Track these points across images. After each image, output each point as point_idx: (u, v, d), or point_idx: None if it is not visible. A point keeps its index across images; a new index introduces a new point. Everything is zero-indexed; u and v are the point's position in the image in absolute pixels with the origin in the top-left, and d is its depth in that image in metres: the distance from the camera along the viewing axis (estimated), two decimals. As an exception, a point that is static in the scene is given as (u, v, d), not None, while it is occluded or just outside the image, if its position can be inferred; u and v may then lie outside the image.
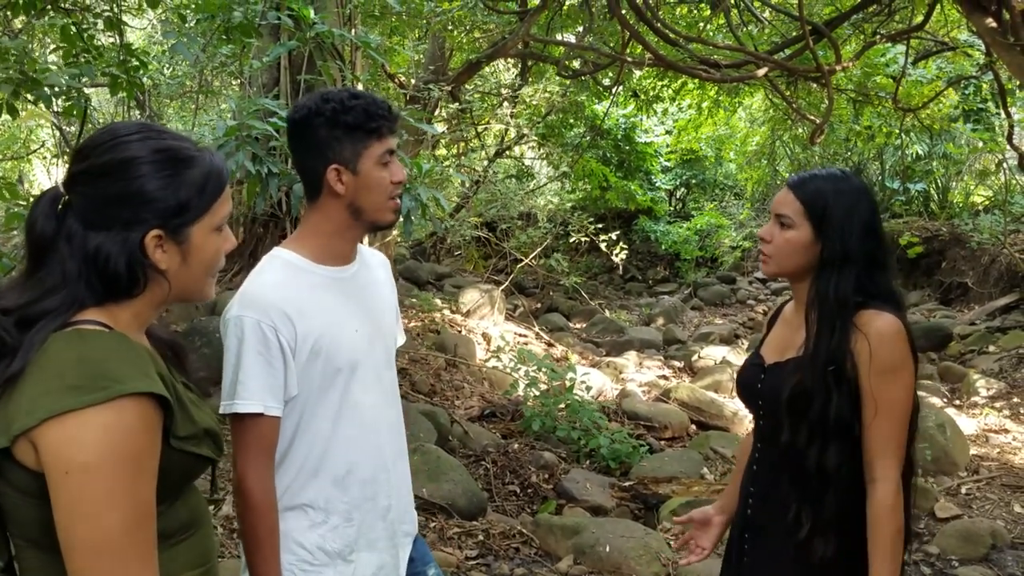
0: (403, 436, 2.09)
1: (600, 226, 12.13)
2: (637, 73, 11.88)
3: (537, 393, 6.50)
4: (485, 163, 13.63)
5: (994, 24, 6.17)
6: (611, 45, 10.18)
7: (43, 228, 1.31)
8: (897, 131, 12.67)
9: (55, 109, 6.15)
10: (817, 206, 1.92)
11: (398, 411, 2.07)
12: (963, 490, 5.69)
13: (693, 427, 7.05)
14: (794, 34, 9.33)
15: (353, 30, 6.43)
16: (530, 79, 12.54)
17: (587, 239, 12.49)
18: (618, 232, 12.22)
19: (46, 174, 14.35)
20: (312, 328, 1.82)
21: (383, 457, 1.97)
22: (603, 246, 11.76)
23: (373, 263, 2.09)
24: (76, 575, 1.18)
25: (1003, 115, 10.53)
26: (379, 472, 1.96)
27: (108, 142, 1.33)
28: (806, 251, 1.94)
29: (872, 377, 1.84)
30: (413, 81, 10.85)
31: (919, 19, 9.22)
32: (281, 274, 1.87)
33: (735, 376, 2.25)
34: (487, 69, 12.13)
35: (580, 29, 10.90)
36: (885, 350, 1.84)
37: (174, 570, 1.32)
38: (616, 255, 11.88)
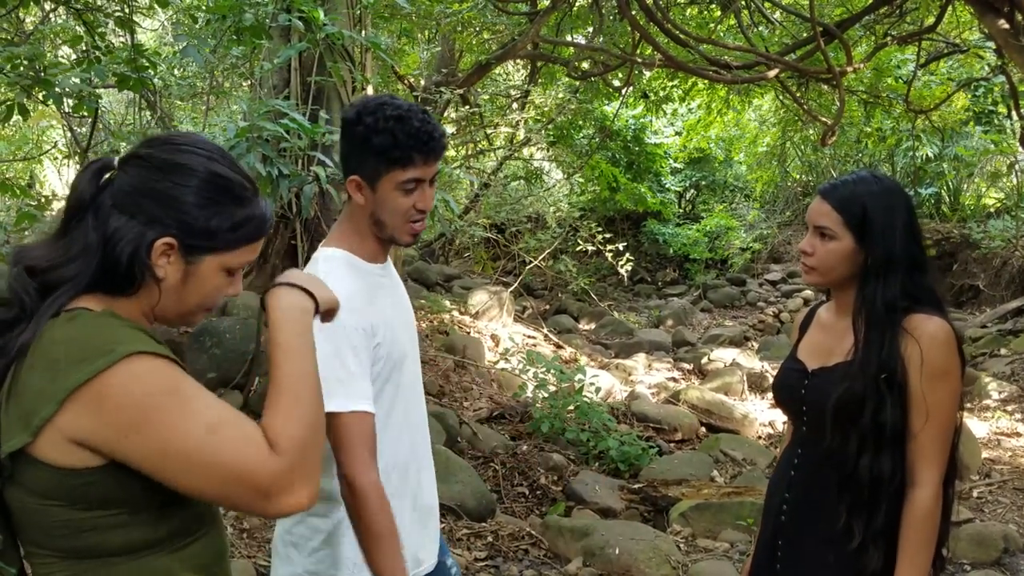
0: (428, 431, 2.12)
1: (608, 235, 12.10)
2: (647, 74, 11.86)
3: (546, 395, 6.49)
4: (494, 165, 13.62)
5: (1006, 26, 6.15)
6: (621, 46, 10.17)
7: (83, 192, 1.31)
8: (907, 133, 12.63)
9: (66, 109, 6.17)
10: (855, 214, 1.91)
11: (424, 405, 2.11)
12: (975, 494, 5.65)
13: (703, 429, 7.02)
14: (805, 35, 9.31)
15: (363, 31, 6.43)
16: (540, 80, 12.54)
17: (594, 247, 12.48)
18: (625, 243, 12.17)
19: (57, 175, 14.41)
20: (380, 325, 1.86)
21: (417, 450, 2.01)
22: (609, 256, 11.74)
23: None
24: (202, 483, 1.18)
25: (1015, 117, 10.49)
26: (411, 463, 1.99)
27: (180, 144, 1.35)
28: (850, 260, 1.93)
29: (923, 382, 1.83)
30: (423, 83, 10.86)
31: (930, 21, 9.19)
32: (352, 275, 1.88)
33: (773, 380, 2.22)
34: (497, 70, 12.14)
35: (590, 30, 10.89)
36: (937, 355, 1.83)
37: (187, 569, 1.31)
38: (621, 266, 11.86)
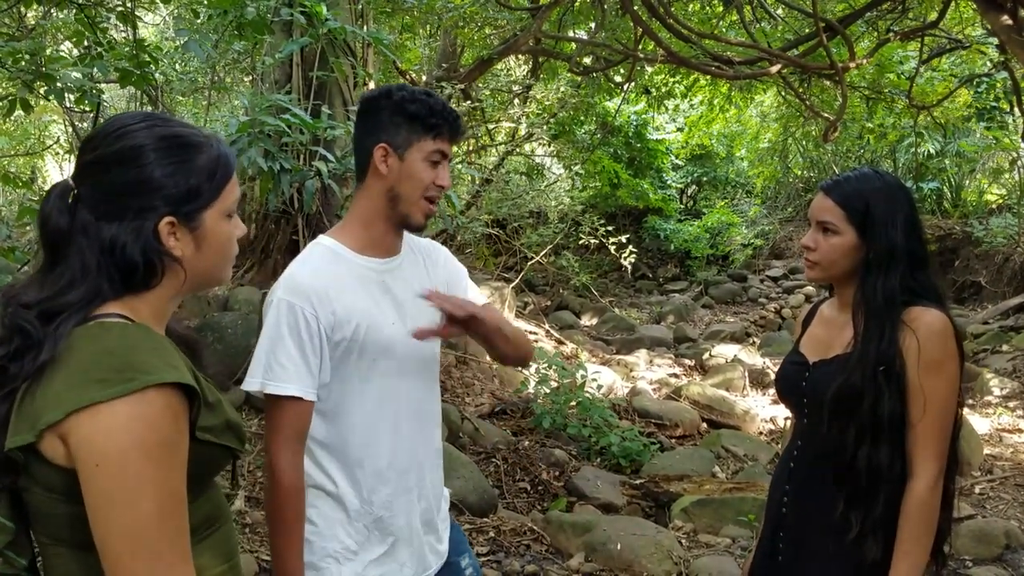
0: (439, 429, 2.10)
1: (611, 228, 12.12)
2: (649, 69, 11.84)
3: (547, 390, 6.49)
4: (496, 160, 13.61)
5: (1009, 22, 6.13)
6: (623, 42, 10.15)
7: (57, 222, 1.29)
8: (909, 130, 12.61)
9: (67, 105, 6.17)
10: (858, 209, 1.93)
11: (436, 404, 2.09)
12: (977, 490, 5.66)
13: (704, 425, 7.03)
14: (807, 31, 9.29)
15: (365, 26, 6.43)
16: (541, 76, 12.52)
17: (596, 240, 12.48)
18: (627, 236, 12.17)
19: (58, 170, 14.42)
20: (349, 317, 1.84)
21: (419, 449, 1.99)
22: (612, 248, 11.75)
23: (423, 253, 2.09)
24: (111, 566, 1.18)
25: (1017, 113, 10.47)
26: (413, 465, 1.97)
27: (115, 132, 1.32)
28: (852, 255, 1.95)
29: (920, 373, 1.84)
30: (424, 78, 10.85)
31: (933, 16, 9.17)
32: (323, 262, 1.89)
33: (775, 374, 2.23)
34: (498, 66, 12.12)
35: (592, 25, 10.87)
36: (933, 346, 1.84)
37: (200, 566, 1.31)
38: (624, 258, 11.86)
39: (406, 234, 2.05)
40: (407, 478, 1.95)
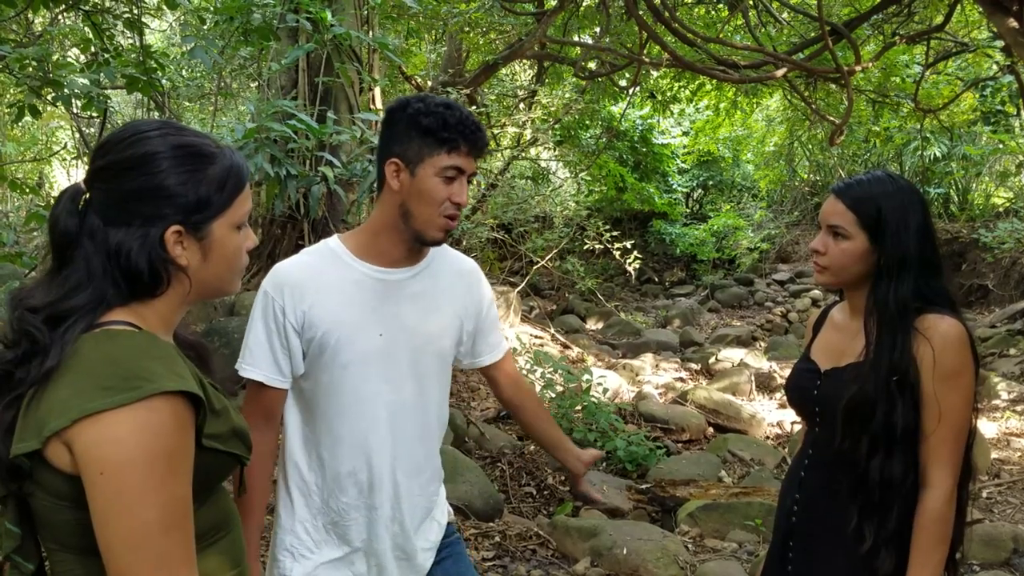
0: (428, 449, 2.01)
1: (616, 233, 12.12)
2: (654, 74, 11.85)
3: (553, 395, 6.49)
4: (501, 165, 13.63)
5: (1015, 24, 6.12)
6: (628, 46, 10.16)
7: (66, 225, 1.30)
8: (915, 133, 12.59)
9: (75, 110, 6.20)
10: (870, 214, 1.88)
11: (433, 425, 2.01)
12: (984, 494, 5.63)
13: (710, 430, 7.01)
14: (813, 35, 9.29)
15: (370, 32, 6.44)
16: (546, 80, 12.54)
17: (602, 245, 12.49)
18: (633, 240, 12.16)
19: (66, 175, 14.48)
20: (322, 319, 1.83)
21: (399, 470, 1.93)
22: (617, 254, 11.74)
23: (460, 275, 2.03)
24: (115, 572, 1.18)
25: (1023, 116, 10.44)
26: (386, 484, 1.91)
27: (129, 138, 1.32)
28: (863, 260, 1.91)
29: (936, 383, 1.80)
30: (430, 83, 10.87)
31: (939, 20, 9.16)
32: (316, 259, 1.89)
33: (785, 381, 2.19)
34: (504, 70, 12.14)
35: (597, 30, 10.88)
36: (949, 355, 1.81)
37: (207, 572, 1.31)
38: (629, 264, 11.86)
39: (448, 251, 2.02)
40: (375, 495, 1.90)
